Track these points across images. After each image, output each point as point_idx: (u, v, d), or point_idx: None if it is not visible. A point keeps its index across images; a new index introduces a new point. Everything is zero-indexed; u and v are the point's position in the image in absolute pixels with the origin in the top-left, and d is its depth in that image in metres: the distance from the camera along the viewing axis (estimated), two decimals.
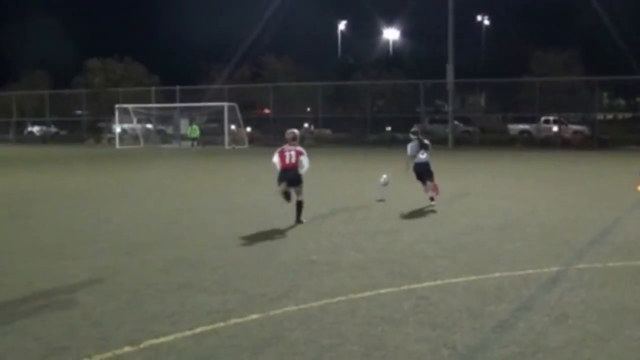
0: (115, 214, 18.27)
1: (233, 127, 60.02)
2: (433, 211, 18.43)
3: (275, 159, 17.06)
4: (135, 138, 63.05)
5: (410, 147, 20.12)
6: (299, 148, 17.02)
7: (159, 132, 67.32)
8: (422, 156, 19.98)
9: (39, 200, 21.64)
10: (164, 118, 67.03)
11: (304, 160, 16.85)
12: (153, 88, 68.25)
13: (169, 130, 68.64)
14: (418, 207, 19.27)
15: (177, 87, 64.59)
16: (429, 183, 19.89)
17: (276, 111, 64.28)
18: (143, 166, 36.57)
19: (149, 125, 67.32)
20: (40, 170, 33.86)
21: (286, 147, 17.03)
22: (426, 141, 20.39)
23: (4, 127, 74.06)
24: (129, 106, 62.27)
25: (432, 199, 19.68)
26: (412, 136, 20.26)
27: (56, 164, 38.48)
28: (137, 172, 32.50)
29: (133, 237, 14.82)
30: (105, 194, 23.26)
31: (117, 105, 61.67)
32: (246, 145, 57.99)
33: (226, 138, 58.36)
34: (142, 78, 76.07)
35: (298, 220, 16.64)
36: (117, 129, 62.59)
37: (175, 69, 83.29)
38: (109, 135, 66.23)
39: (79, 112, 73.93)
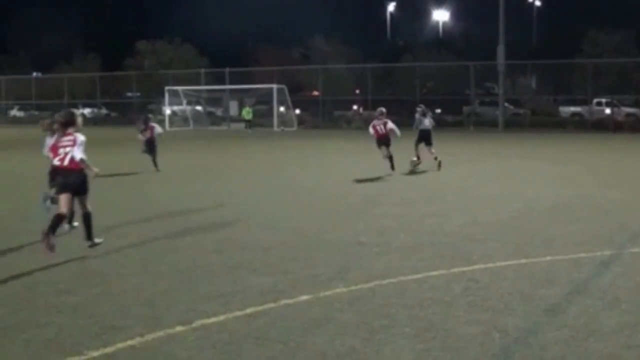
0: (165, 195, 18.44)
1: (282, 109, 60.15)
2: (483, 194, 18.32)
3: (371, 131, 23.57)
4: (184, 120, 63.45)
5: (416, 118, 25.42)
6: (385, 120, 23.54)
7: (209, 114, 67.71)
8: (427, 124, 25.04)
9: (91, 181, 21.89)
10: (214, 100, 67.40)
11: (392, 125, 23.59)
12: (202, 70, 68.64)
13: (219, 112, 68.99)
14: (468, 190, 19.19)
15: (227, 69, 64.89)
16: (429, 147, 24.73)
17: (325, 93, 64.26)
18: (193, 148, 36.80)
19: (199, 107, 67.73)
20: (93, 152, 34.22)
21: (376, 121, 23.68)
22: (429, 114, 25.50)
23: (56, 109, 74.71)
24: (179, 88, 62.71)
25: (436, 158, 24.45)
26: (418, 109, 25.61)
27: (108, 146, 38.85)
28: (186, 154, 32.69)
29: (184, 217, 14.94)
30: (155, 175, 23.46)
31: (167, 87, 62.14)
32: (295, 128, 58.09)
33: (275, 120, 58.47)
34: (191, 60, 76.44)
35: (393, 168, 23.40)
36: (167, 110, 63.05)
37: (225, 51, 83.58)
38: (158, 117, 66.71)
39: (129, 94, 74.58)
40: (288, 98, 59.04)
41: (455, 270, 10.09)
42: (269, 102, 60.56)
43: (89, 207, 11.51)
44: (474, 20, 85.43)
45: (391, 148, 23.55)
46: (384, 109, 23.76)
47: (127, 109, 71.50)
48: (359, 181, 21.47)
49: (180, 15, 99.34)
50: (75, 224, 13.10)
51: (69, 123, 11.36)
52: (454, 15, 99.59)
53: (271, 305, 8.42)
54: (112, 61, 78.66)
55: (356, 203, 16.93)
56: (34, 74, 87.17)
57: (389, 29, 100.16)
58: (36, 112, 75.09)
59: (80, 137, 11.28)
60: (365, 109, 64.56)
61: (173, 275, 9.95)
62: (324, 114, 63.82)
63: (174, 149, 35.73)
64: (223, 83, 64.84)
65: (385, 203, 16.78)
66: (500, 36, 55.27)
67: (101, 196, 18.35)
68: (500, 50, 55.30)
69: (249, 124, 57.65)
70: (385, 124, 23.52)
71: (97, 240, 11.55)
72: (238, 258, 10.95)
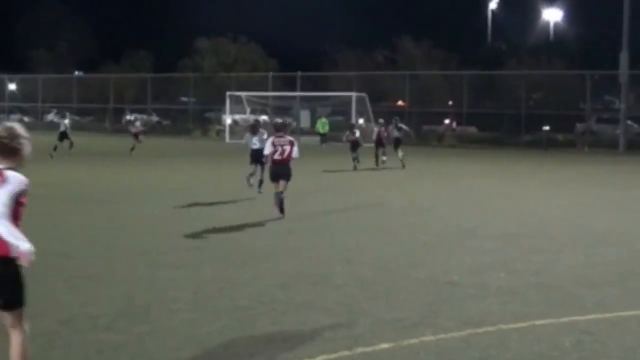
0: (224, 218, 18.52)
1: (361, 121, 60.09)
2: (599, 228, 18.03)
3: (375, 137, 37.50)
4: (247, 132, 63.61)
5: (391, 128, 37.92)
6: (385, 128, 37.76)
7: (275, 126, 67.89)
8: (398, 134, 37.29)
9: (138, 199, 22.17)
10: (282, 109, 67.48)
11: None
12: (271, 74, 68.87)
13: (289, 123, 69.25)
14: (580, 222, 18.91)
15: (299, 74, 65.08)
16: (399, 151, 35.76)
17: (413, 104, 63.95)
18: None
19: (265, 117, 67.94)
20: (139, 166, 34.71)
21: (378, 129, 38.01)
22: (400, 125, 38.37)
23: (101, 115, 75.78)
24: (243, 94, 62.97)
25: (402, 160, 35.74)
26: (394, 121, 38.33)
27: (157, 159, 39.33)
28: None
29: (245, 245, 15.00)
30: (213, 194, 23.62)
31: (228, 93, 62.34)
32: None
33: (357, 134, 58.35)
34: (258, 62, 76.89)
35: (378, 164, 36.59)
36: (228, 120, 63.23)
37: (297, 52, 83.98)
38: (218, 128, 66.98)
39: (184, 99, 75.24)
40: (369, 109, 58.75)
41: (566, 319, 9.93)
42: (346, 114, 60.47)
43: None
44: (593, 22, 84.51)
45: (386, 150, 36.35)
46: (382, 120, 39.61)
47: (182, 117, 72.02)
48: (452, 209, 21.35)
49: (247, 11, 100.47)
50: (261, 191, 22.76)
51: (285, 129, 19.44)
52: (569, 16, 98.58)
53: (346, 353, 8.38)
54: (166, 61, 79.48)
55: (448, 234, 16.82)
56: (76, 73, 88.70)
57: (490, 31, 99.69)
58: (77, 118, 75.89)
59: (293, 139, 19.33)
60: (459, 124, 64.11)
61: (231, 313, 9.98)
62: (410, 128, 63.56)
63: (232, 165, 35.91)
64: (294, 89, 65.02)
65: (482, 235, 16.63)
66: (624, 41, 54.49)
67: (148, 217, 18.52)
68: (624, 58, 54.48)
69: (324, 138, 57.51)
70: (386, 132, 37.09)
71: (282, 215, 18.45)
72: (308, 295, 10.94)
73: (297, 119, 66.25)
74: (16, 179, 6.59)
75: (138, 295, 10.86)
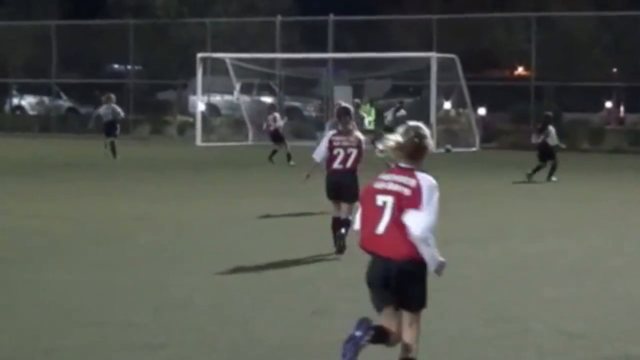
0: (191, 297, 18.65)
1: (447, 105, 59.88)
2: None
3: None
4: (235, 125, 63.30)
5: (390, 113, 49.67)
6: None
7: (288, 113, 67.14)
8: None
9: (39, 258, 22.29)
10: (301, 83, 67.25)
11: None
12: (278, 18, 68.77)
13: (310, 110, 68.57)
14: None
15: (330, 18, 64.88)
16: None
17: (544, 73, 63.57)
18: (256, 195, 37.14)
19: (268, 99, 67.59)
20: (33, 191, 34.92)
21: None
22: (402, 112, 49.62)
23: None
24: (226, 56, 62.66)
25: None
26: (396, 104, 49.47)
27: (69, 179, 39.47)
28: (241, 207, 33.02)
29: (241, 337, 15.17)
30: (172, 243, 23.79)
31: (200, 55, 62.05)
32: (477, 147, 57.45)
33: (433, 128, 58.30)
34: None
35: None
36: (200, 105, 62.60)
37: None
38: (180, 119, 66.70)
39: (118, 67, 75.31)
40: (462, 82, 58.43)
41: None
42: (419, 92, 60.27)
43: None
44: None
45: None
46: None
47: (115, 98, 71.81)
48: (628, 270, 21.34)
49: None
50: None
51: (349, 120, 21.76)
52: None
53: None
54: None
55: (623, 320, 16.94)
56: None
57: None
58: None
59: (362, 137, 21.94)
60: (630, 109, 63.52)
61: None
62: (538, 115, 63.10)
63: (212, 198, 36.12)
64: (322, 48, 64.77)
65: None
66: None
67: None
68: None
69: (374, 134, 56.66)
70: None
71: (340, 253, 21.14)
72: None
73: (327, 100, 65.28)
74: (427, 181, 11.09)
75: None
